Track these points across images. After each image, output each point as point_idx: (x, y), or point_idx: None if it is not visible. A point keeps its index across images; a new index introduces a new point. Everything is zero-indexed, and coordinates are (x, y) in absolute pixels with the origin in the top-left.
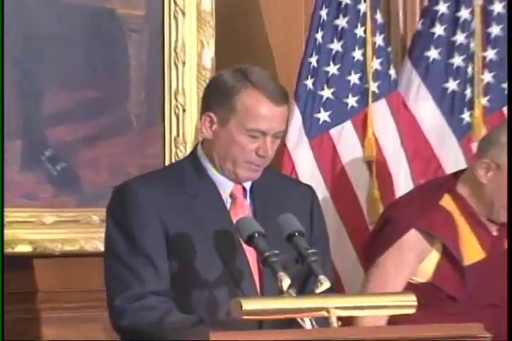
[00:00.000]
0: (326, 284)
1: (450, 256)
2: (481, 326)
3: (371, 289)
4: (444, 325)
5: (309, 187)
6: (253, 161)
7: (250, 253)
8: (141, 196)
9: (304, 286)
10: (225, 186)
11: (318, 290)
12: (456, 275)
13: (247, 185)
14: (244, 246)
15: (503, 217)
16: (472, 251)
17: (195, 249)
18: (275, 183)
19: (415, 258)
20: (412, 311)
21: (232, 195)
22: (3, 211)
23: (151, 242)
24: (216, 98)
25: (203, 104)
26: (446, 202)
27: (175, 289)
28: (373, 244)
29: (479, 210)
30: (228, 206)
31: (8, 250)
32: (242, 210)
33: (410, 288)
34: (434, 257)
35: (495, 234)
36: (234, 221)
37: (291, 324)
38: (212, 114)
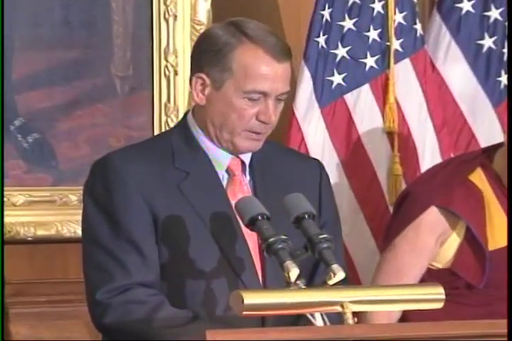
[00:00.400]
0: (339, 275)
1: (473, 239)
2: None
3: (384, 275)
4: (473, 321)
5: (317, 162)
6: (253, 129)
7: (250, 237)
8: (125, 173)
9: (312, 277)
10: (221, 160)
11: (330, 282)
12: (477, 260)
13: (246, 158)
14: (244, 230)
15: None
16: (502, 234)
17: (188, 233)
18: (278, 158)
19: (435, 240)
20: (439, 306)
21: (229, 171)
22: (3, 207)
23: (138, 226)
24: (208, 57)
25: (192, 65)
26: (478, 177)
27: (166, 280)
28: (390, 224)
29: None
30: (225, 184)
31: None
32: (240, 188)
33: (426, 274)
34: (455, 239)
35: None
36: (231, 201)
37: (299, 319)
38: (204, 76)
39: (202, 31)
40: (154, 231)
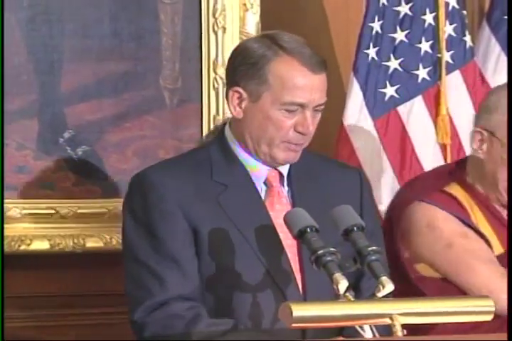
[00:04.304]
0: (388, 287)
1: None
2: None
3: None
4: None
5: (357, 171)
6: (292, 140)
7: (291, 249)
8: (164, 188)
9: (356, 287)
10: (259, 172)
11: (380, 294)
12: None
13: (284, 170)
14: (284, 241)
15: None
16: (492, 243)
17: (230, 247)
18: (317, 167)
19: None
20: (489, 318)
21: (267, 183)
22: (3, 209)
23: (177, 241)
24: (244, 70)
25: (228, 79)
26: (454, 190)
27: (213, 293)
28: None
29: (489, 195)
30: (263, 195)
31: (22, 247)
32: (278, 200)
33: (419, 281)
34: None
35: None
36: (270, 213)
37: (341, 331)
38: (240, 89)
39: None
40: (193, 244)
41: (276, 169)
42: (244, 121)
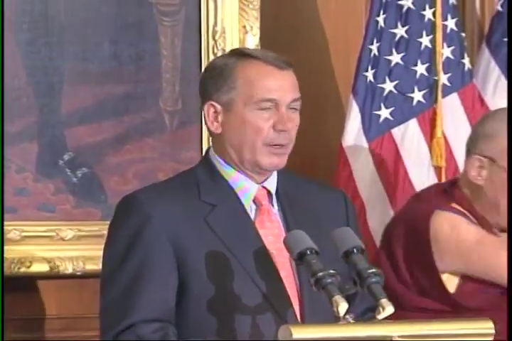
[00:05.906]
0: (389, 309)
1: None
2: None
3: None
4: None
5: (342, 193)
6: (274, 141)
7: (283, 266)
8: (152, 210)
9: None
10: (247, 191)
11: (380, 316)
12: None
13: (272, 188)
14: (276, 260)
15: None
16: None
17: (222, 269)
18: (302, 188)
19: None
20: (489, 339)
21: (256, 201)
22: (3, 231)
23: (156, 263)
24: (212, 83)
25: (201, 96)
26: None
27: (215, 315)
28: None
29: (489, 220)
30: (253, 214)
31: (22, 269)
32: (268, 218)
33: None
34: None
35: None
36: (260, 230)
37: None
38: (214, 103)
39: None
40: (175, 266)
41: (264, 188)
42: (224, 134)
